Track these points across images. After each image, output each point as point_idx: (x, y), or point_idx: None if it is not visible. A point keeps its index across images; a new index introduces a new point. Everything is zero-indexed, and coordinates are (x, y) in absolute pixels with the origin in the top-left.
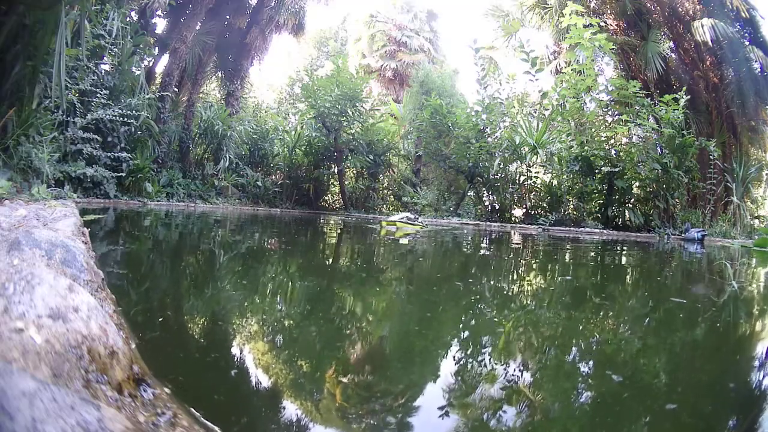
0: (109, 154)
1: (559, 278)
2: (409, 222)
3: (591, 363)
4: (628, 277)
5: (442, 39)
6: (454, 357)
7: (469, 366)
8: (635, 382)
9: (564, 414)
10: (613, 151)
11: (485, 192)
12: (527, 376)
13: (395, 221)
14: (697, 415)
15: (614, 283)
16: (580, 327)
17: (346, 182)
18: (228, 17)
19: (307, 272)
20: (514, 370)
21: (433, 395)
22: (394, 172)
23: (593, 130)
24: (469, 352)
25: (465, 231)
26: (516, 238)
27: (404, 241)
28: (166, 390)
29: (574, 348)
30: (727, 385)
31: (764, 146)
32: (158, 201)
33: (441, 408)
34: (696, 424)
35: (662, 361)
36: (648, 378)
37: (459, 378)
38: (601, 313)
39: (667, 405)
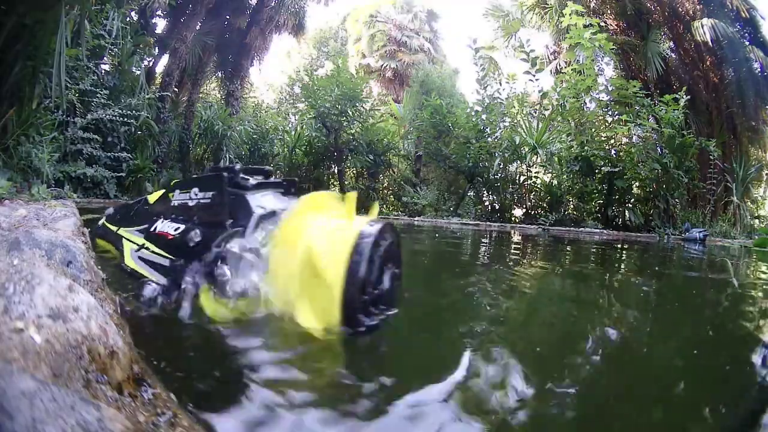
0: (109, 154)
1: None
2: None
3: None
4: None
5: (442, 39)
6: None
7: None
8: None
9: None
10: (613, 151)
11: (485, 192)
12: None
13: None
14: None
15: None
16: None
17: (346, 182)
18: (228, 17)
19: None
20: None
21: None
22: (394, 172)
23: (593, 130)
24: None
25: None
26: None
27: None
28: (166, 390)
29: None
30: None
31: (764, 146)
32: None
33: None
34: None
35: None
36: None
37: None
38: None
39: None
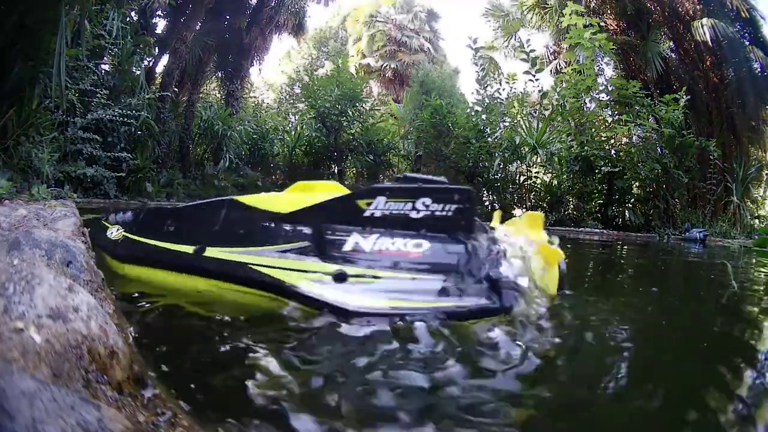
0: (109, 154)
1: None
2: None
3: None
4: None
5: (442, 39)
6: None
7: None
8: None
9: None
10: (613, 151)
11: (485, 192)
12: None
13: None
14: None
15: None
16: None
17: (346, 182)
18: (228, 17)
19: None
20: None
21: None
22: (394, 172)
23: (593, 130)
24: None
25: None
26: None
27: None
28: (166, 390)
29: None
30: None
31: (764, 146)
32: (158, 201)
33: None
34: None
35: None
36: None
37: None
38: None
39: None
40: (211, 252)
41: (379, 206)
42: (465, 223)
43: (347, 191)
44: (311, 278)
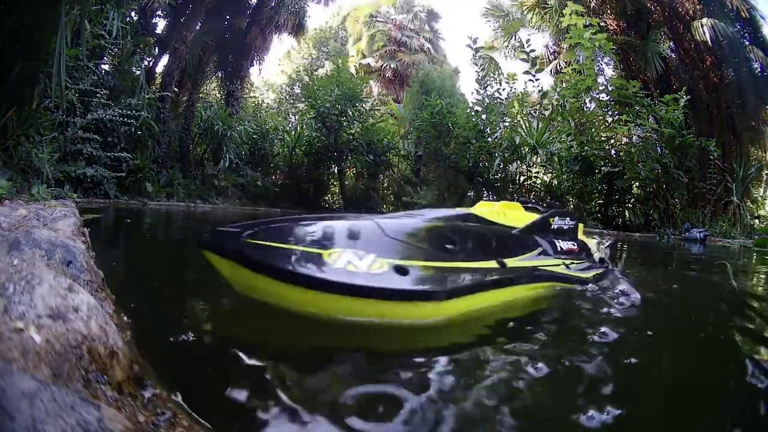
0: (109, 154)
1: None
2: None
3: None
4: None
5: (442, 39)
6: None
7: None
8: None
9: None
10: (613, 151)
11: (485, 192)
12: None
13: None
14: None
15: None
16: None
17: (346, 182)
18: (228, 17)
19: None
20: None
21: None
22: (394, 172)
23: (593, 130)
24: None
25: None
26: None
27: None
28: (166, 390)
29: None
30: None
31: (764, 146)
32: (158, 201)
33: None
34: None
35: None
36: None
37: None
38: None
39: None
40: (511, 263)
41: (556, 222)
42: (575, 230)
43: (521, 208)
44: (561, 268)
